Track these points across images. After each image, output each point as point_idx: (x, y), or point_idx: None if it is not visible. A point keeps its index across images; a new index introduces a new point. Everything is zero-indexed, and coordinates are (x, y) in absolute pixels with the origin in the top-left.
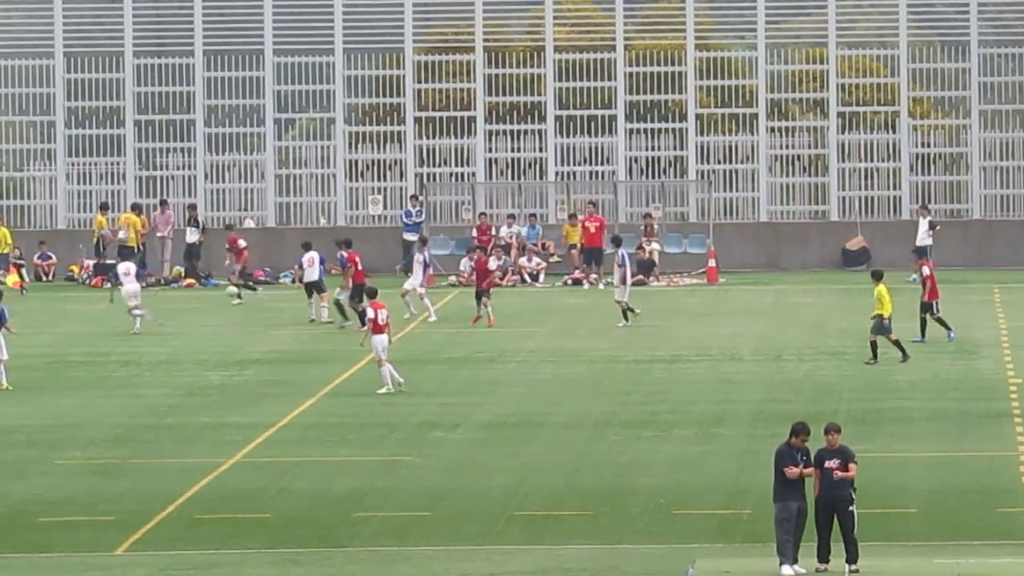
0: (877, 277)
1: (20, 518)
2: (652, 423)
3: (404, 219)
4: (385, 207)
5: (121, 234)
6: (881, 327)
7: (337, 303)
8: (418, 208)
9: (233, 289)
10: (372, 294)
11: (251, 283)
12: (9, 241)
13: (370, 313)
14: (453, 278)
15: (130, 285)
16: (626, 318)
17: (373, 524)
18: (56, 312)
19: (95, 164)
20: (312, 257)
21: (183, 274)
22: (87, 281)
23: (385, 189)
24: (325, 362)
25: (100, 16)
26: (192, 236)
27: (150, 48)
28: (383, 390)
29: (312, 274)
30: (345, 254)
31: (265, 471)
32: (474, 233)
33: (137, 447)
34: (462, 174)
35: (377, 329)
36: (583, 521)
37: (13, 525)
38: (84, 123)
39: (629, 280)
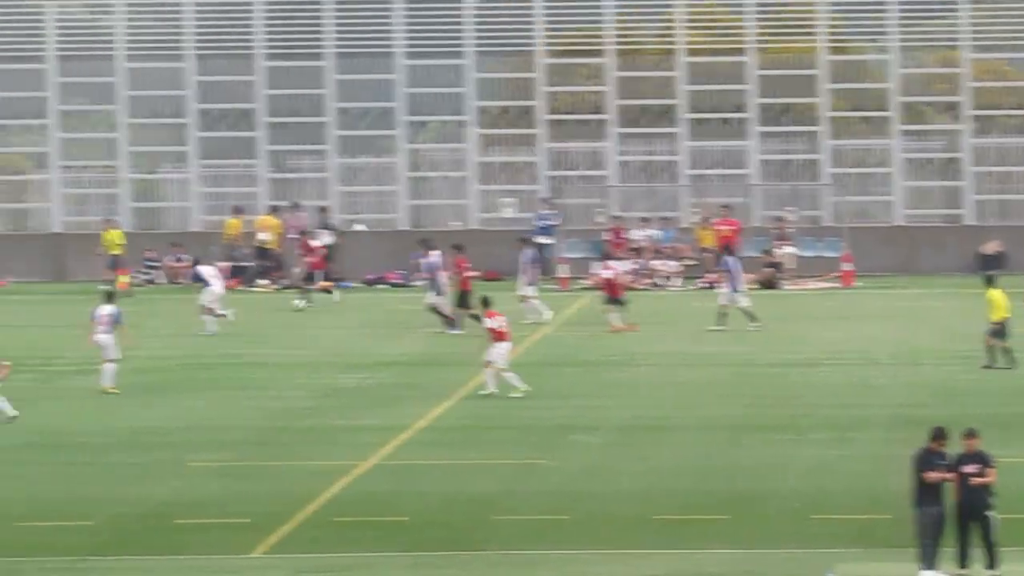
0: (988, 281)
1: (156, 520)
2: (788, 427)
3: (537, 222)
4: (518, 210)
5: (261, 236)
6: (995, 331)
7: (432, 307)
8: (552, 211)
9: (299, 303)
10: (487, 303)
11: (311, 288)
12: (119, 242)
13: (488, 323)
14: (586, 281)
15: (215, 287)
16: (719, 321)
17: (508, 527)
18: (190, 314)
19: (227, 166)
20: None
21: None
22: None
23: (517, 192)
24: (459, 365)
25: (231, 18)
26: (326, 238)
27: (281, 50)
28: (519, 392)
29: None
30: (425, 256)
31: (401, 474)
32: (607, 236)
33: (273, 449)
34: (594, 177)
35: (498, 336)
36: (719, 525)
37: (149, 527)
38: (216, 125)
39: (742, 285)
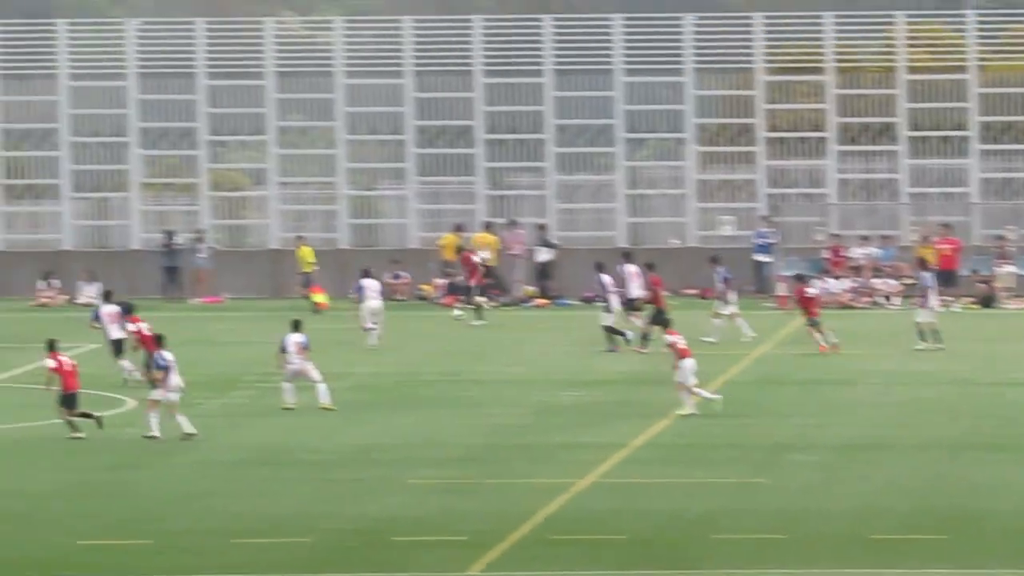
0: None
1: (374, 537)
2: (1007, 446)
3: (756, 240)
4: (736, 228)
5: (483, 255)
6: None
7: (609, 327)
8: (770, 229)
9: (458, 312)
10: (666, 323)
11: (462, 300)
12: (310, 260)
13: (669, 339)
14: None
15: (373, 302)
16: (933, 339)
17: (727, 546)
18: (408, 331)
19: (445, 183)
20: (633, 271)
21: (535, 294)
22: (439, 300)
23: (736, 210)
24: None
25: (450, 35)
26: (544, 256)
27: (500, 67)
28: (717, 405)
29: (632, 290)
30: (607, 276)
31: (619, 491)
32: (826, 254)
33: (490, 466)
34: (814, 195)
35: (683, 354)
36: (939, 545)
37: (368, 544)
38: (434, 142)
39: (931, 302)
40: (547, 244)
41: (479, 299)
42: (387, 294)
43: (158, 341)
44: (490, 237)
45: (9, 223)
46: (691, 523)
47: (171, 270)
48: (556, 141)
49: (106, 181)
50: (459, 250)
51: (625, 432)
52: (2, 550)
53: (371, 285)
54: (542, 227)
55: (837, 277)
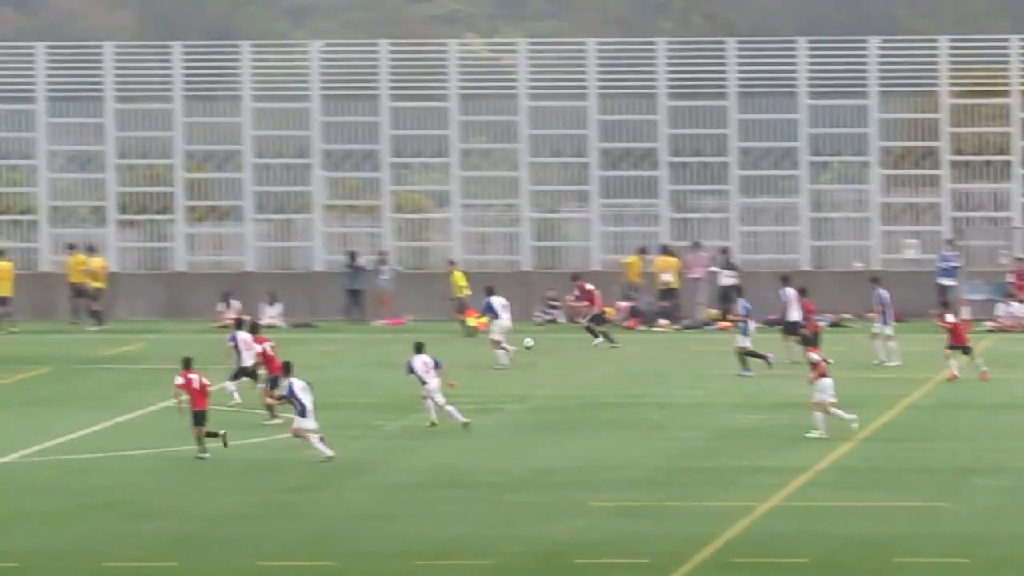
0: None
1: (556, 559)
2: None
3: (940, 264)
4: (920, 252)
5: (664, 277)
6: None
7: (742, 351)
8: (955, 253)
9: (529, 341)
10: (812, 341)
11: (601, 330)
12: (462, 284)
13: (813, 356)
14: (989, 323)
15: (505, 321)
16: None
17: (910, 570)
18: (590, 353)
19: (628, 206)
20: (792, 294)
21: (718, 317)
22: (621, 322)
23: (920, 234)
24: (861, 406)
25: (633, 58)
26: (727, 279)
27: (683, 89)
28: (815, 434)
29: (792, 313)
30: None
31: (801, 515)
32: (1010, 278)
33: (672, 489)
34: (998, 218)
35: (822, 372)
36: None
37: (549, 567)
38: (618, 164)
39: None
40: (730, 267)
41: (590, 325)
42: (570, 316)
43: (286, 368)
44: (671, 260)
45: (192, 244)
46: (873, 546)
47: (354, 292)
48: (739, 164)
49: (289, 203)
50: (575, 277)
51: (807, 455)
52: (183, 571)
53: (500, 302)
54: (725, 250)
55: (1022, 301)
